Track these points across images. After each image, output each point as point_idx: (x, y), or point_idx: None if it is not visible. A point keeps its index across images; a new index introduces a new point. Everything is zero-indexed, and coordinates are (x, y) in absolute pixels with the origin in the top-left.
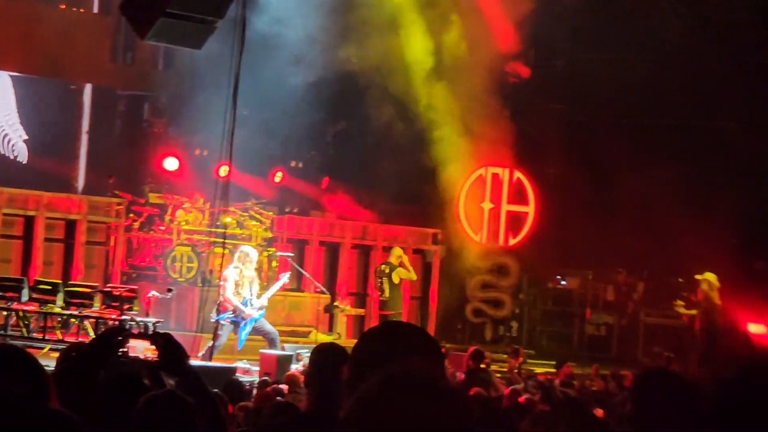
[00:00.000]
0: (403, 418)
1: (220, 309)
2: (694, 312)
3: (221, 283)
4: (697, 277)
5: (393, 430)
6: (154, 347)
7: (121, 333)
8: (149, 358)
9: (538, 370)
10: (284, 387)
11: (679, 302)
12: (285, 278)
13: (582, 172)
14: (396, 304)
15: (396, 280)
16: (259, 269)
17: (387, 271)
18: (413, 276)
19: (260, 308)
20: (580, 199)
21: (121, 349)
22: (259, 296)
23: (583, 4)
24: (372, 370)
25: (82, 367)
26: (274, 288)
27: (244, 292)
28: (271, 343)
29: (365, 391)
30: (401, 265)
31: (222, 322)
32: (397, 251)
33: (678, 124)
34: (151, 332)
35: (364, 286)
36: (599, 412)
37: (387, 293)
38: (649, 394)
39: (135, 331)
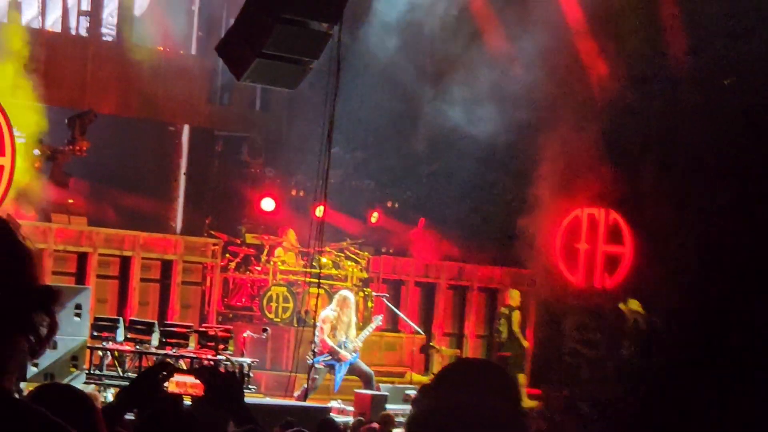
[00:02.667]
0: None
1: (317, 351)
2: None
3: (318, 324)
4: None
5: None
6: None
7: (165, 369)
8: (195, 394)
9: None
10: (377, 426)
11: None
12: (378, 320)
13: (679, 213)
14: (513, 346)
15: (516, 321)
16: (355, 310)
17: (507, 313)
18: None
19: (355, 350)
20: (677, 239)
21: (164, 385)
22: (354, 338)
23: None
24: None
25: (127, 403)
26: (368, 330)
27: (340, 335)
28: (367, 384)
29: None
30: (519, 307)
31: (317, 365)
32: (515, 293)
33: None
34: (197, 367)
35: (460, 326)
36: None
37: (505, 335)
38: None
39: (221, 369)
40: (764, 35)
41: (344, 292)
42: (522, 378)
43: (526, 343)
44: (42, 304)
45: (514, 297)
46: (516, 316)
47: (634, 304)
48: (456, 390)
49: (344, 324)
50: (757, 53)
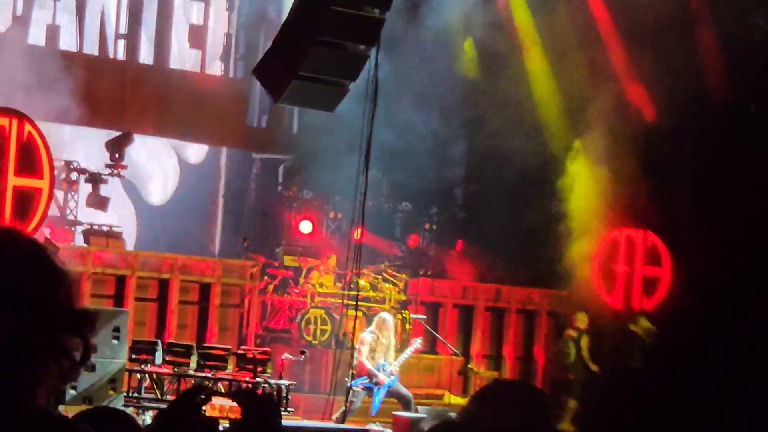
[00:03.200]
0: None
1: (355, 374)
2: None
3: (357, 346)
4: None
5: None
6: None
7: (203, 391)
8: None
9: None
10: None
11: None
12: (417, 343)
13: (716, 233)
14: (578, 370)
15: (585, 346)
16: (394, 332)
17: (575, 336)
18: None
19: (393, 373)
20: (715, 261)
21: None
22: (392, 361)
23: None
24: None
25: (164, 426)
26: (407, 353)
27: (378, 357)
28: (406, 406)
29: None
30: (587, 331)
31: (355, 388)
32: (583, 317)
33: None
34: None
35: (498, 348)
36: None
37: (572, 358)
38: None
39: (259, 392)
40: None
41: (383, 315)
42: (572, 403)
43: (594, 368)
44: (75, 327)
45: (582, 320)
46: (585, 340)
47: (644, 323)
48: (490, 411)
49: (383, 346)
50: None
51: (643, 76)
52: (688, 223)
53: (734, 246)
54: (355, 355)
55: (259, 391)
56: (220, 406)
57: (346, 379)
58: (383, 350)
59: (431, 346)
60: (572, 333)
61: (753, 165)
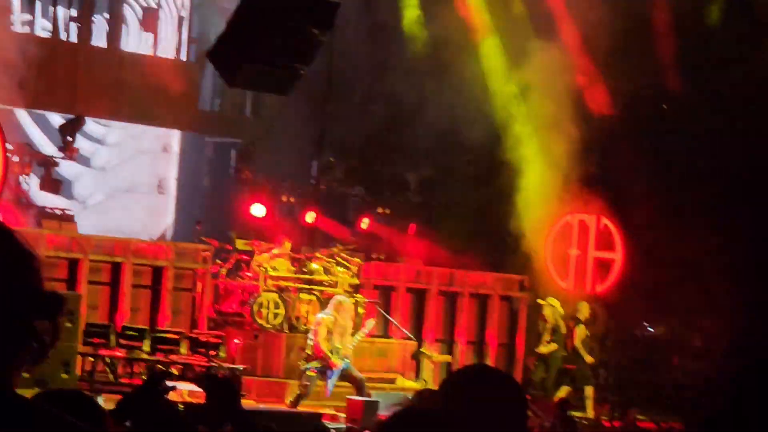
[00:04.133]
0: None
1: (311, 355)
2: None
3: (313, 328)
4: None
5: None
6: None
7: (167, 377)
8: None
9: None
10: None
11: None
12: (370, 325)
13: (669, 217)
14: (578, 360)
15: (579, 336)
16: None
17: (571, 326)
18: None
19: (345, 357)
20: (668, 245)
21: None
22: (344, 342)
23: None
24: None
25: (126, 411)
26: (359, 336)
27: (335, 339)
28: (359, 390)
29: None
30: (587, 322)
31: (309, 372)
32: (584, 307)
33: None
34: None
35: (451, 332)
36: None
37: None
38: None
39: (220, 374)
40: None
41: (340, 297)
42: (589, 390)
43: (589, 359)
44: (46, 310)
45: (582, 310)
46: (581, 330)
47: (554, 302)
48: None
49: (341, 328)
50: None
51: (598, 64)
52: (642, 207)
53: (688, 228)
54: (311, 336)
55: (221, 375)
56: (178, 391)
57: (300, 362)
58: (340, 332)
59: (384, 330)
60: (549, 318)
61: (704, 147)
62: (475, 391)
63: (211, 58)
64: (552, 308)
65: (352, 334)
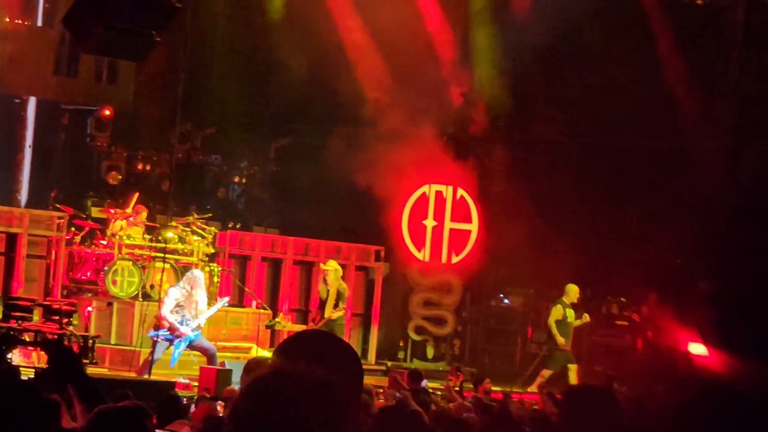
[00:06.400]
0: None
1: (157, 325)
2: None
3: (163, 298)
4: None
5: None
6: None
7: (7, 341)
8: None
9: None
10: (221, 403)
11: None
12: (223, 302)
13: (525, 190)
14: (548, 341)
15: (553, 315)
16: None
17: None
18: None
19: (196, 328)
20: (524, 217)
21: (7, 356)
22: (196, 316)
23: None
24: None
25: None
26: (212, 310)
27: (186, 313)
28: (210, 360)
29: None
30: (570, 305)
31: (155, 338)
32: (573, 289)
33: (614, 143)
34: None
35: (306, 302)
36: None
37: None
38: (575, 409)
39: (74, 345)
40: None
41: (195, 272)
42: (573, 371)
43: (560, 340)
44: None
45: (570, 293)
46: (556, 311)
47: (336, 266)
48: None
49: (193, 303)
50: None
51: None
52: (498, 178)
53: (545, 202)
54: (160, 307)
55: (66, 342)
56: (30, 357)
57: (150, 330)
58: (193, 306)
59: (239, 300)
60: (332, 281)
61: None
62: (311, 356)
63: (66, 24)
64: (335, 272)
65: (209, 306)
